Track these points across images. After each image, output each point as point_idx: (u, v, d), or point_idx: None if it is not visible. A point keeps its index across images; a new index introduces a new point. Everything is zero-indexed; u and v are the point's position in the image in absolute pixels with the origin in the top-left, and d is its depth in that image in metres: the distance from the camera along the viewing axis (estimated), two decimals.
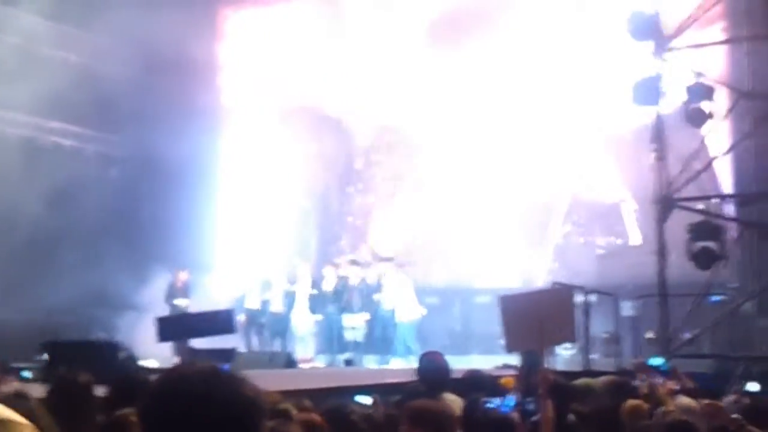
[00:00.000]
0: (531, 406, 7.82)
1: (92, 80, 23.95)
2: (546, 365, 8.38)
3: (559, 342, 11.99)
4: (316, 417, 6.68)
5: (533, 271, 24.48)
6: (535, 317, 8.67)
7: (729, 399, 10.46)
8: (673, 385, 9.33)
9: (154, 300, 22.77)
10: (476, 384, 9.50)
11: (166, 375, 2.74)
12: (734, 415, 6.92)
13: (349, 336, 22.27)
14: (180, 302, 23.27)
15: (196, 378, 2.66)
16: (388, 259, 23.26)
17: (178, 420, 2.62)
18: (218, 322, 16.59)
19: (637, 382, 10.49)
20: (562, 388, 8.60)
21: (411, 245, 26.00)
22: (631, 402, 8.84)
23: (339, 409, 6.94)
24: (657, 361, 11.26)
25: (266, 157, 27.52)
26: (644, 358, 14.17)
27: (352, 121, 27.11)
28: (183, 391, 2.64)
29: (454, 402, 8.63)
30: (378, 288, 22.31)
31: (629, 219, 23.86)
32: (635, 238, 23.64)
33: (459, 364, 11.15)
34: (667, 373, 10.90)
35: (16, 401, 5.27)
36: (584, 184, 24.36)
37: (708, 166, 18.41)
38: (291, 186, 27.27)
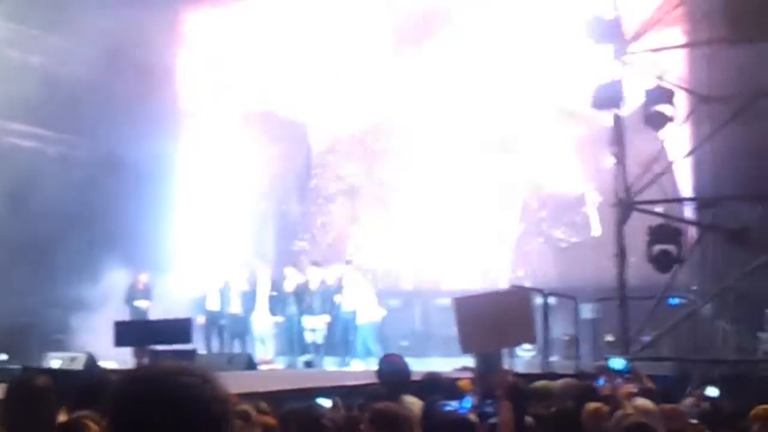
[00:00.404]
0: (488, 409, 7.82)
1: (53, 82, 23.83)
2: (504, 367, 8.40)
3: (519, 343, 12.00)
4: (271, 419, 6.65)
5: (496, 271, 24.56)
6: (492, 318, 8.69)
7: (688, 402, 10.53)
8: (631, 387, 9.37)
9: (113, 300, 22.73)
10: (434, 386, 9.51)
11: (135, 375, 2.68)
12: (693, 420, 6.96)
13: (309, 338, 22.24)
14: (140, 304, 23.22)
15: (168, 377, 2.60)
16: (349, 261, 23.25)
17: (149, 421, 2.55)
18: (176, 330, 16.54)
19: (601, 382, 10.54)
20: (520, 391, 8.61)
21: (373, 247, 26.06)
22: (592, 404, 8.87)
23: (309, 412, 6.89)
24: (618, 363, 11.29)
25: (225, 159, 27.46)
26: (605, 360, 14.25)
27: (311, 124, 27.11)
28: (155, 392, 2.58)
29: (413, 404, 8.63)
30: (339, 290, 22.29)
31: (592, 211, 23.97)
32: (596, 230, 23.78)
33: (419, 366, 11.14)
34: (628, 374, 10.94)
35: None
36: (547, 178, 24.42)
37: (668, 169, 18.51)
38: (250, 188, 27.23)
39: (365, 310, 21.82)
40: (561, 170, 24.16)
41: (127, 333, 16.29)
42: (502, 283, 22.93)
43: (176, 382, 2.59)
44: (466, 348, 8.88)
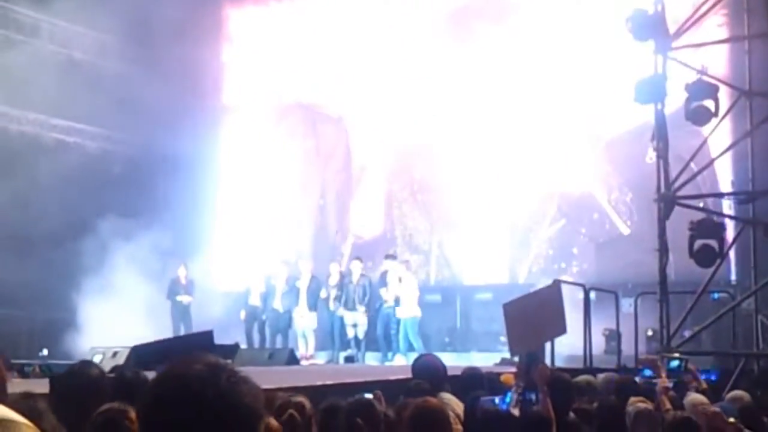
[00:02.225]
0: (532, 396, 7.85)
1: (96, 78, 24.08)
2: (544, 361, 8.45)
3: (554, 336, 12.04)
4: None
5: (529, 267, 24.60)
6: (533, 318, 8.80)
7: (728, 396, 10.53)
8: (666, 381, 9.39)
9: (154, 295, 22.93)
10: (474, 381, 9.54)
11: (166, 373, 2.68)
12: (731, 419, 6.97)
13: (350, 333, 22.28)
14: (182, 299, 23.40)
15: (196, 379, 2.60)
16: (392, 256, 23.24)
17: (171, 421, 2.58)
18: (196, 346, 16.58)
19: (647, 373, 10.55)
20: (566, 384, 8.62)
21: (408, 241, 26.14)
22: (635, 399, 8.92)
23: (365, 403, 6.91)
24: (672, 362, 11.28)
25: (265, 153, 27.60)
26: (650, 353, 14.24)
27: (350, 118, 27.18)
28: (179, 393, 2.59)
29: (450, 400, 8.68)
30: (381, 285, 22.29)
31: (617, 214, 24.09)
32: (624, 228, 23.95)
33: (459, 361, 11.18)
34: (683, 373, 10.92)
35: (23, 401, 5.32)
36: (579, 179, 24.40)
37: (710, 164, 18.46)
38: (289, 182, 27.32)
39: (407, 304, 21.81)
40: (591, 169, 24.20)
41: (146, 355, 16.33)
42: (538, 277, 22.93)
43: (205, 385, 2.59)
44: (515, 350, 8.97)
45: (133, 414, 4.91)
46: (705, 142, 17.67)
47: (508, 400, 8.02)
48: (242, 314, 23.03)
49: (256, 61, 28.10)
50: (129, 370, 7.83)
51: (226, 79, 28.78)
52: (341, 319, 22.31)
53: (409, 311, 21.75)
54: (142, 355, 16.48)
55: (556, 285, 11.92)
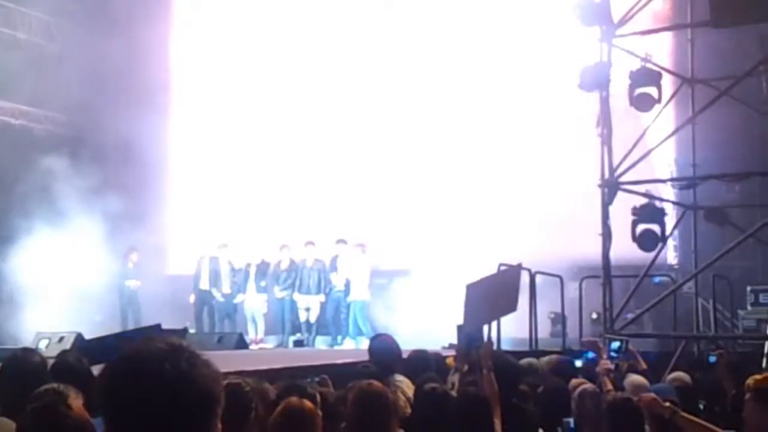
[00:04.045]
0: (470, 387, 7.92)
1: (40, 58, 23.97)
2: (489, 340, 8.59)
3: (504, 313, 12.21)
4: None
5: (477, 249, 24.73)
6: (489, 296, 8.98)
7: (669, 377, 10.77)
8: (608, 363, 9.59)
9: (106, 282, 22.90)
10: (421, 363, 9.69)
11: (128, 350, 2.70)
12: (667, 403, 7.15)
13: (303, 316, 22.32)
14: (131, 283, 23.34)
15: (155, 357, 2.63)
16: (342, 241, 23.27)
17: (128, 396, 2.60)
18: None
19: (588, 356, 10.74)
20: (512, 368, 8.72)
21: (362, 227, 26.19)
22: (576, 381, 9.10)
23: (297, 387, 6.99)
24: (613, 343, 11.51)
25: (216, 135, 27.50)
26: (593, 336, 14.48)
27: (304, 100, 27.12)
28: (137, 368, 2.62)
29: (402, 382, 8.83)
30: (332, 269, 22.35)
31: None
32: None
33: (407, 345, 11.30)
34: (623, 353, 11.14)
35: None
36: (524, 162, 24.56)
37: (652, 150, 18.72)
38: (242, 164, 27.24)
39: (357, 288, 21.90)
40: (548, 150, 24.35)
41: (92, 351, 16.20)
42: (486, 260, 23.09)
43: (164, 362, 2.62)
44: (467, 327, 9.12)
45: (72, 399, 4.95)
46: (644, 128, 17.92)
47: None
48: (192, 298, 23.04)
49: (205, 41, 28.00)
50: (72, 356, 7.91)
51: (175, 60, 28.68)
52: (292, 303, 22.35)
53: (358, 295, 21.87)
54: (86, 350, 16.38)
55: (518, 269, 12.10)
